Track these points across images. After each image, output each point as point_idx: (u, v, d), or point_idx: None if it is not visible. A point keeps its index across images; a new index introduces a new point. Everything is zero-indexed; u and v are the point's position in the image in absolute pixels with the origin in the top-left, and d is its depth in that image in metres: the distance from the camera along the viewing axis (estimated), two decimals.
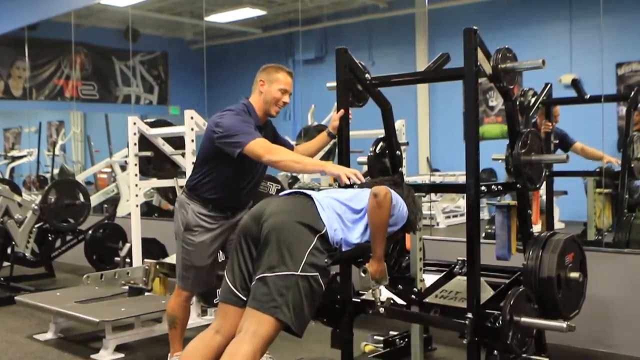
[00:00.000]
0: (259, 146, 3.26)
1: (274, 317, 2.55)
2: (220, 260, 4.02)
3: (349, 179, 3.05)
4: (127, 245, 5.60)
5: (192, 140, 4.73)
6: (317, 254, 2.64)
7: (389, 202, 2.78)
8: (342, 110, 3.53)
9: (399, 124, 5.06)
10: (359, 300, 3.49)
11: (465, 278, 3.14)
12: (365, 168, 3.86)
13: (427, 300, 3.40)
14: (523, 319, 3.01)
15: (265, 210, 2.74)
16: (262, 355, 2.59)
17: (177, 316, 3.78)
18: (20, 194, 6.89)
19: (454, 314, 3.20)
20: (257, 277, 2.61)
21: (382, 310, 3.05)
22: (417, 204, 3.13)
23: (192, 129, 4.75)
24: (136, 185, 5.18)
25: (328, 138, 3.70)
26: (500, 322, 2.96)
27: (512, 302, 2.99)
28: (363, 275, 2.91)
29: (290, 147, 3.79)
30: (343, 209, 2.81)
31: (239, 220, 3.62)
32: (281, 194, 2.96)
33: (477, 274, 3.04)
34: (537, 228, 4.69)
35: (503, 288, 3.38)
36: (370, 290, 2.97)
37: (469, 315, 2.98)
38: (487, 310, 3.07)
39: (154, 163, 5.47)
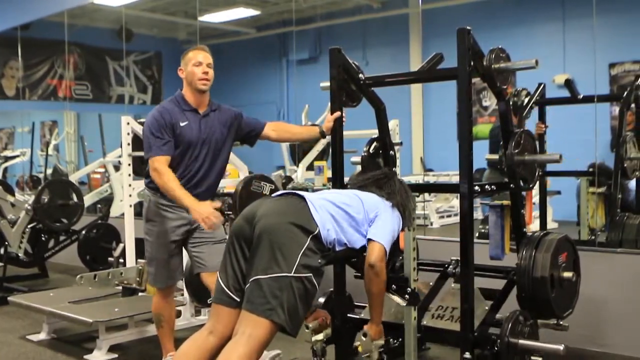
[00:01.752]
0: (152, 167, 3.47)
1: (269, 320, 2.54)
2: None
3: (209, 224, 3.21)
4: (121, 245, 5.59)
5: None
6: (310, 255, 2.63)
7: (384, 270, 2.83)
8: (337, 112, 3.52)
9: (392, 124, 5.06)
10: (357, 317, 3.53)
11: (459, 286, 3.15)
12: (359, 168, 3.86)
13: (424, 322, 3.40)
14: (521, 342, 3.03)
15: (257, 211, 2.74)
16: (258, 357, 2.58)
17: (162, 314, 3.78)
18: (13, 194, 6.86)
19: (452, 337, 3.21)
20: (251, 280, 2.60)
21: None
22: (410, 196, 3.13)
23: None
24: (130, 185, 5.17)
25: (318, 134, 3.71)
26: (499, 347, 2.98)
27: (509, 328, 3.01)
28: (364, 339, 3.01)
29: (261, 126, 3.81)
30: (336, 211, 2.81)
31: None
32: (274, 194, 2.96)
33: (470, 284, 3.05)
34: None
35: (498, 297, 3.39)
36: (369, 352, 3.05)
37: (467, 355, 2.99)
38: (485, 333, 3.10)
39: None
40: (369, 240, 2.85)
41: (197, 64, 3.56)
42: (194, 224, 3.65)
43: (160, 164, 3.43)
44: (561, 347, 3.00)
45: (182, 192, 3.35)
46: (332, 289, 3.59)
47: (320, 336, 3.16)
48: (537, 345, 3.08)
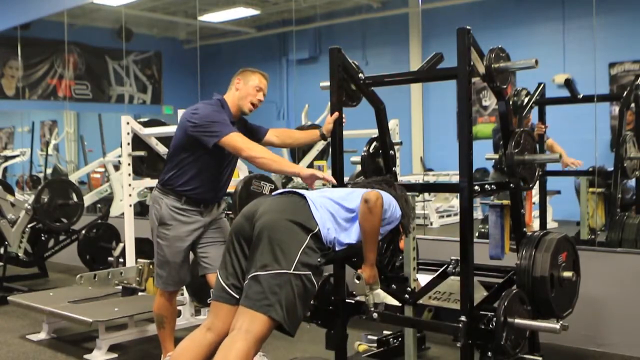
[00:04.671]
0: (238, 140, 3.32)
1: (267, 316, 2.55)
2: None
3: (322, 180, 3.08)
4: (121, 245, 5.59)
5: None
6: (310, 253, 2.64)
7: (379, 208, 2.76)
8: (336, 113, 3.52)
9: (392, 124, 5.05)
10: (353, 302, 3.48)
11: (458, 279, 3.13)
12: (358, 168, 3.85)
13: (420, 301, 3.39)
14: (517, 321, 3.01)
15: (257, 209, 2.74)
16: (256, 353, 2.59)
17: (164, 315, 3.77)
18: (13, 194, 6.86)
19: (447, 316, 3.19)
20: (250, 276, 2.60)
21: (375, 315, 3.07)
22: (409, 203, 3.13)
23: None
24: (129, 185, 5.16)
25: (319, 137, 3.71)
26: (494, 324, 2.96)
27: (506, 304, 2.98)
28: (357, 281, 2.91)
29: (264, 133, 3.80)
30: (336, 208, 2.81)
31: (211, 220, 3.67)
32: (274, 193, 2.96)
33: (470, 274, 3.04)
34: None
35: (496, 288, 3.39)
36: (365, 296, 2.96)
37: (463, 318, 2.97)
38: (481, 312, 3.06)
39: (148, 162, 5.46)
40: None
41: (259, 89, 3.60)
42: (207, 227, 3.66)
43: (246, 139, 3.35)
44: (557, 326, 2.98)
45: (287, 162, 3.32)
46: (327, 274, 3.54)
47: (374, 287, 3.04)
48: (532, 324, 3.07)
